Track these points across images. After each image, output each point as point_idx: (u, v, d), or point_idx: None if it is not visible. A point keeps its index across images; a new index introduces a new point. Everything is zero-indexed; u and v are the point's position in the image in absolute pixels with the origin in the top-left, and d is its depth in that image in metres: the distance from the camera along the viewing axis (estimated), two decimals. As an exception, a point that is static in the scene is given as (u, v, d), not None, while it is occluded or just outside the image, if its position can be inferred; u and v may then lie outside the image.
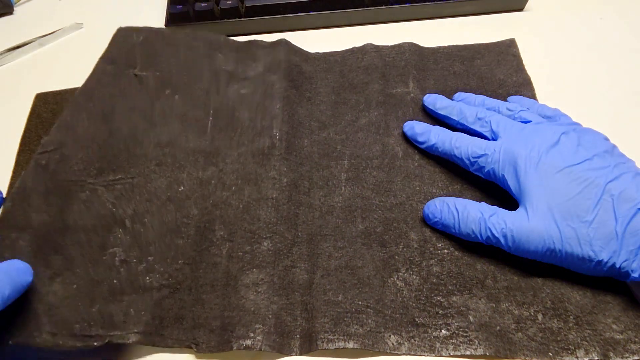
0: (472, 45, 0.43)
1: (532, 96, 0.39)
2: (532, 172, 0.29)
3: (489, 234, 0.29)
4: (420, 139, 0.35)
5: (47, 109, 0.42)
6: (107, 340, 0.27)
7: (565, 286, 0.29)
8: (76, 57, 0.47)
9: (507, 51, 0.42)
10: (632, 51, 0.43)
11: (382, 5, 0.46)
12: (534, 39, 0.44)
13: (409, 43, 0.43)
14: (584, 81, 0.41)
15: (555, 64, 0.42)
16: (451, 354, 0.27)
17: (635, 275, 0.26)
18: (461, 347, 0.27)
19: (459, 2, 0.46)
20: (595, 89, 0.40)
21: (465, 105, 0.36)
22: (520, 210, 0.29)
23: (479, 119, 0.34)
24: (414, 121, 0.37)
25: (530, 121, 0.33)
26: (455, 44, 0.44)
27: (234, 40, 0.43)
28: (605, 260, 0.26)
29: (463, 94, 0.39)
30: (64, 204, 0.33)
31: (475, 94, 0.38)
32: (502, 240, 0.29)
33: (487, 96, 0.38)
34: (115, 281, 0.30)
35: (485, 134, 0.34)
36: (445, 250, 0.31)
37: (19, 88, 0.44)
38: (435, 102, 0.37)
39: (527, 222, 0.28)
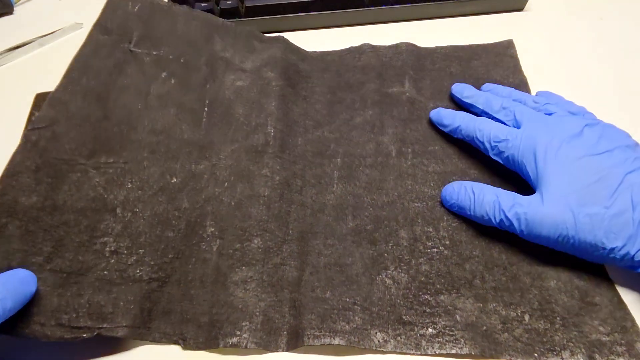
0: (469, 46, 0.43)
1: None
2: (552, 159, 0.29)
3: (503, 216, 0.29)
4: (446, 122, 0.36)
5: (47, 109, 0.42)
6: (95, 333, 0.27)
7: (553, 288, 0.29)
8: (76, 57, 0.47)
9: (504, 52, 0.43)
10: (633, 51, 0.43)
11: (382, 5, 0.46)
12: (534, 39, 0.44)
13: (406, 43, 0.43)
14: (584, 81, 0.41)
15: (555, 64, 0.42)
16: (437, 352, 0.27)
17: None
18: (447, 346, 0.27)
19: (458, 2, 0.46)
20: (595, 89, 0.40)
21: (491, 95, 0.37)
22: (536, 195, 0.29)
23: (504, 108, 0.35)
24: (440, 107, 0.38)
25: (555, 113, 0.33)
26: (455, 44, 0.44)
27: (231, 25, 0.43)
28: (618, 248, 0.26)
29: (491, 84, 0.39)
30: (55, 184, 0.31)
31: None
32: (515, 223, 0.29)
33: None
34: (105, 272, 0.29)
35: (508, 123, 0.34)
36: (435, 250, 0.31)
37: (19, 88, 0.44)
38: (463, 90, 0.38)
39: (542, 207, 0.28)
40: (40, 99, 0.43)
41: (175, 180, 0.34)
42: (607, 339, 0.27)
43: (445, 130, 0.36)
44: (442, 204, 0.33)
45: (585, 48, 0.44)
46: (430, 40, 0.44)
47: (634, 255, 0.26)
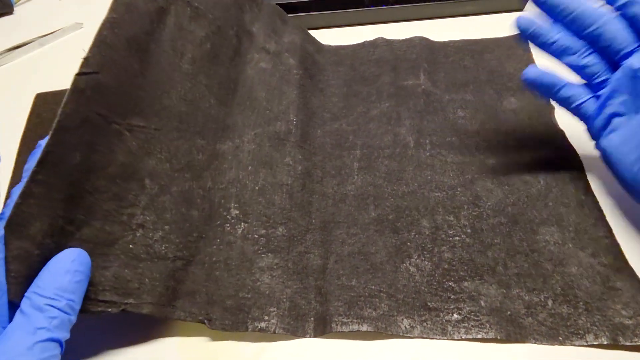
0: (482, 39, 0.44)
1: None
2: None
3: (583, 101, 0.29)
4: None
5: (47, 109, 0.42)
6: (121, 309, 0.26)
7: (575, 274, 0.29)
8: (76, 57, 0.47)
9: (517, 45, 0.43)
10: (632, 51, 0.43)
11: (382, 5, 0.46)
12: (534, 39, 0.44)
13: (419, 37, 0.44)
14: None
15: (554, 64, 0.42)
16: (463, 337, 0.27)
17: None
18: (473, 331, 0.27)
19: (459, 2, 0.46)
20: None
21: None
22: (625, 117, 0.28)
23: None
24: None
25: None
26: (477, 38, 0.44)
27: None
28: None
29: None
30: (92, 143, 0.27)
31: (485, 87, 0.39)
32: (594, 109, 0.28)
33: (498, 89, 0.38)
34: (131, 245, 0.28)
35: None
36: (457, 238, 0.31)
37: (19, 88, 0.44)
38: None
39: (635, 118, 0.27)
40: (40, 99, 0.43)
41: (201, 157, 0.33)
42: (630, 322, 0.27)
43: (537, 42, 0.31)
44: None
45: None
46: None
47: None
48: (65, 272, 0.23)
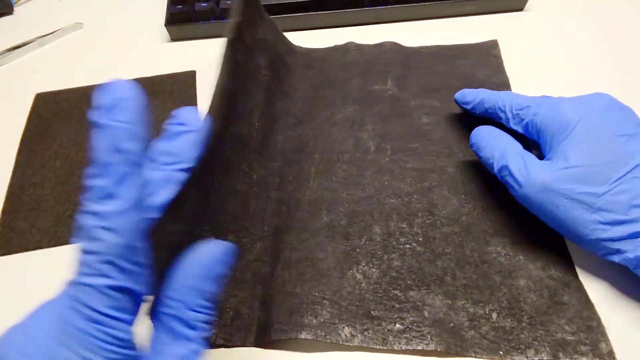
0: (456, 45, 0.44)
1: None
2: (571, 129, 0.29)
3: (504, 165, 0.30)
4: (469, 98, 0.36)
5: (47, 109, 0.42)
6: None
7: (522, 287, 0.29)
8: (76, 57, 0.47)
9: (489, 52, 0.43)
10: (633, 51, 0.43)
11: (382, 5, 0.46)
12: (534, 39, 0.44)
13: (390, 42, 0.44)
14: (583, 81, 0.41)
15: (555, 64, 0.42)
16: (403, 347, 0.27)
17: (630, 256, 0.26)
18: (413, 342, 0.27)
19: (459, 2, 0.46)
20: (595, 89, 0.40)
21: (509, 92, 0.36)
22: (545, 161, 0.29)
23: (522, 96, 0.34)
24: (465, 88, 0.37)
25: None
26: (452, 44, 0.44)
27: None
28: (600, 230, 0.26)
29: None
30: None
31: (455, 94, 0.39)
32: (512, 175, 0.29)
33: None
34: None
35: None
36: (408, 245, 0.31)
37: (19, 88, 0.44)
38: (465, 95, 0.37)
39: (545, 173, 0.28)
40: (40, 99, 0.43)
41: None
42: (572, 338, 0.27)
43: (468, 107, 0.36)
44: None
45: (585, 48, 0.44)
46: (430, 40, 0.44)
47: (612, 240, 0.26)
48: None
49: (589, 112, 0.29)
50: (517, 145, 0.31)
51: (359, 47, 0.44)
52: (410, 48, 0.44)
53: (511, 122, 0.33)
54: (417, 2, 0.46)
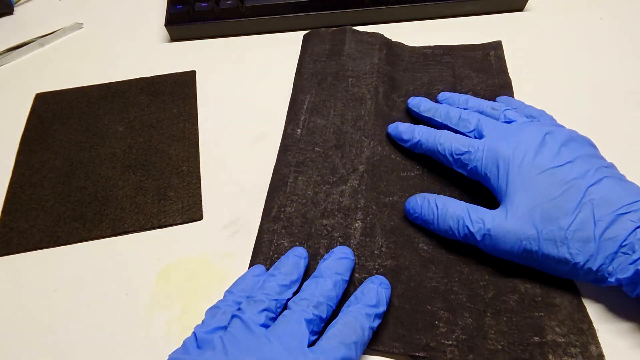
0: (457, 45, 0.44)
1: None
2: (514, 172, 0.29)
3: (467, 231, 0.29)
4: (405, 137, 0.35)
5: (47, 109, 0.42)
6: None
7: (515, 286, 0.29)
8: (76, 57, 0.47)
9: (491, 53, 0.43)
10: (633, 52, 0.43)
11: (382, 5, 0.46)
12: (534, 39, 0.44)
13: (383, 39, 0.44)
14: (584, 81, 0.41)
15: (555, 64, 0.42)
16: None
17: (612, 280, 0.26)
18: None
19: (459, 2, 0.46)
20: (594, 89, 0.40)
21: (449, 107, 0.36)
22: (500, 209, 0.29)
23: (463, 119, 0.34)
24: (398, 122, 0.37)
25: (515, 121, 0.33)
26: (453, 44, 0.44)
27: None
28: (581, 263, 0.26)
29: (447, 93, 0.39)
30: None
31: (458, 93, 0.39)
32: (479, 238, 0.29)
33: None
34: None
35: (469, 134, 0.34)
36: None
37: (19, 88, 0.44)
38: (420, 104, 0.38)
39: (505, 222, 0.28)
40: (40, 99, 0.43)
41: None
42: (563, 340, 0.27)
43: (406, 145, 0.36)
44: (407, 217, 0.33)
45: (585, 48, 0.44)
46: (430, 40, 0.44)
47: (596, 269, 0.26)
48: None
49: (524, 152, 0.29)
50: (465, 206, 0.30)
51: (353, 38, 0.44)
52: (410, 47, 0.44)
53: (454, 166, 0.33)
54: (417, 2, 0.46)
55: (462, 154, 0.32)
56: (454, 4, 0.46)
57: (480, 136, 0.33)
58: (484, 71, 0.41)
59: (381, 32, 0.45)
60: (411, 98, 0.39)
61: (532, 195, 0.28)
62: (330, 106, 0.39)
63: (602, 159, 0.30)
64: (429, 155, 0.35)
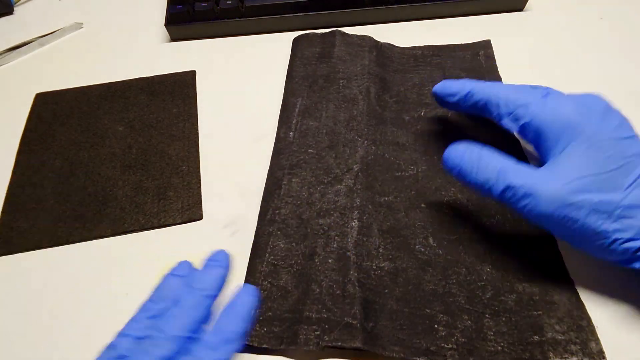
0: (446, 46, 0.44)
1: None
2: (577, 133, 0.27)
3: (506, 185, 0.27)
4: (454, 89, 0.33)
5: (47, 109, 0.42)
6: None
7: (513, 286, 0.30)
8: (76, 57, 0.47)
9: (480, 52, 0.43)
10: (632, 51, 0.43)
11: (382, 5, 0.46)
12: (534, 39, 0.44)
13: (371, 40, 0.44)
14: (583, 81, 0.41)
15: (555, 64, 0.42)
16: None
17: None
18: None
19: (458, 2, 0.46)
20: (594, 89, 0.40)
21: (491, 83, 0.33)
22: (547, 169, 0.27)
23: (515, 87, 0.31)
24: (445, 79, 0.34)
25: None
26: (453, 44, 0.44)
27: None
28: (624, 240, 0.25)
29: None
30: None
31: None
32: (519, 195, 0.26)
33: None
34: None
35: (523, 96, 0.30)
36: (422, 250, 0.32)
37: (19, 88, 0.44)
38: (452, 85, 0.34)
39: (553, 184, 0.26)
40: (40, 99, 0.43)
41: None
42: (563, 337, 0.27)
43: (452, 100, 0.33)
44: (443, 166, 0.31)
45: (584, 48, 0.44)
46: (430, 40, 0.44)
47: (637, 249, 0.25)
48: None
49: (589, 116, 0.28)
50: (512, 161, 0.28)
51: (343, 41, 0.44)
52: (399, 47, 0.44)
53: (505, 119, 0.30)
54: (416, 2, 0.46)
55: (520, 105, 0.29)
56: (453, 4, 0.46)
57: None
58: (474, 71, 0.41)
59: (381, 33, 0.45)
60: (435, 86, 0.35)
61: (588, 163, 0.26)
62: (322, 108, 0.39)
63: None
64: (473, 112, 0.32)
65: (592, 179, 0.26)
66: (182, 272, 0.26)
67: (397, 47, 0.44)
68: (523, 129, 0.30)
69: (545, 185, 0.26)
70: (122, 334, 0.23)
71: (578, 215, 0.26)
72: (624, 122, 0.28)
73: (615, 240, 0.26)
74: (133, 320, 0.23)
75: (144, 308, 0.24)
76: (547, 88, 0.31)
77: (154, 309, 0.24)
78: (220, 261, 0.26)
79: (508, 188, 0.27)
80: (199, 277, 0.25)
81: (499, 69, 0.41)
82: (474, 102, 0.32)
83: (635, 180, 0.26)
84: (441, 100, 0.34)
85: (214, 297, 0.24)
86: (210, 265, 0.25)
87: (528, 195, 0.26)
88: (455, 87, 0.33)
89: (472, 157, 0.29)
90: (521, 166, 0.28)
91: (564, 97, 0.29)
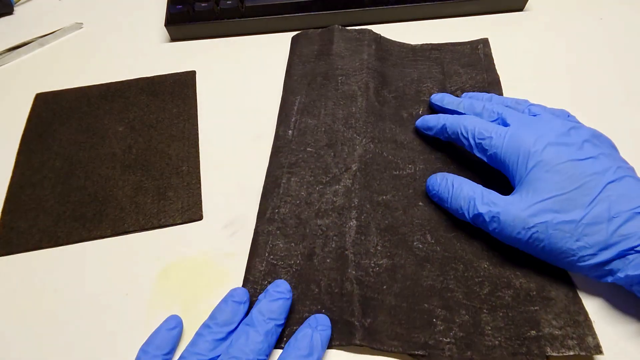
0: (444, 43, 0.44)
1: (500, 95, 0.39)
2: (535, 161, 0.29)
3: (476, 212, 0.29)
4: (431, 124, 0.36)
5: (47, 109, 0.42)
6: None
7: (510, 282, 0.30)
8: (76, 57, 0.47)
9: (478, 50, 0.43)
10: (632, 52, 0.43)
11: (382, 5, 0.46)
12: (534, 39, 0.44)
13: (372, 34, 0.44)
14: (583, 81, 0.41)
15: (554, 64, 0.42)
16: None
17: (621, 276, 0.26)
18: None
19: (459, 2, 0.46)
20: (594, 89, 0.40)
21: (473, 100, 0.36)
22: (514, 195, 0.29)
23: (487, 109, 0.34)
24: (425, 115, 0.38)
25: (540, 114, 0.33)
26: (440, 42, 0.44)
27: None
28: (588, 256, 0.26)
29: (470, 93, 0.39)
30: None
31: (443, 90, 0.40)
32: (487, 219, 0.29)
33: (453, 95, 0.39)
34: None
35: (493, 122, 0.33)
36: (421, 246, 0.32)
37: (19, 88, 0.44)
38: (443, 98, 0.38)
39: (516, 208, 0.28)
40: (41, 99, 0.43)
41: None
42: (560, 332, 0.27)
43: (431, 133, 0.36)
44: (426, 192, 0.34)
45: (584, 48, 0.44)
46: (430, 40, 0.44)
47: (602, 264, 0.26)
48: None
49: (549, 141, 0.29)
50: (479, 189, 0.31)
51: (342, 37, 0.44)
52: (399, 43, 0.44)
53: (474, 150, 0.32)
54: (417, 2, 0.46)
55: (484, 139, 0.32)
56: (453, 4, 0.46)
57: (504, 125, 0.33)
58: (473, 66, 0.42)
59: (381, 32, 0.45)
60: (434, 94, 0.39)
61: (549, 186, 0.28)
62: (320, 106, 0.39)
63: (624, 160, 0.30)
64: (452, 140, 0.35)
65: (552, 200, 0.27)
66: (240, 299, 0.28)
67: (397, 41, 0.45)
68: (490, 159, 0.32)
69: (509, 210, 0.28)
70: (191, 352, 0.26)
71: (542, 236, 0.27)
72: (587, 141, 0.29)
73: (582, 257, 0.27)
74: (199, 338, 0.27)
75: (206, 330, 0.27)
76: (528, 105, 0.34)
77: (219, 332, 0.27)
78: (283, 292, 0.28)
79: (477, 215, 0.30)
80: (267, 306, 0.27)
81: (499, 69, 0.41)
82: (448, 135, 0.35)
83: (595, 198, 0.27)
84: (422, 133, 0.37)
85: (282, 326, 0.27)
86: (274, 295, 0.28)
87: (494, 220, 0.29)
88: (433, 121, 0.36)
89: (447, 186, 0.32)
90: (489, 194, 0.30)
91: (525, 125, 0.31)
